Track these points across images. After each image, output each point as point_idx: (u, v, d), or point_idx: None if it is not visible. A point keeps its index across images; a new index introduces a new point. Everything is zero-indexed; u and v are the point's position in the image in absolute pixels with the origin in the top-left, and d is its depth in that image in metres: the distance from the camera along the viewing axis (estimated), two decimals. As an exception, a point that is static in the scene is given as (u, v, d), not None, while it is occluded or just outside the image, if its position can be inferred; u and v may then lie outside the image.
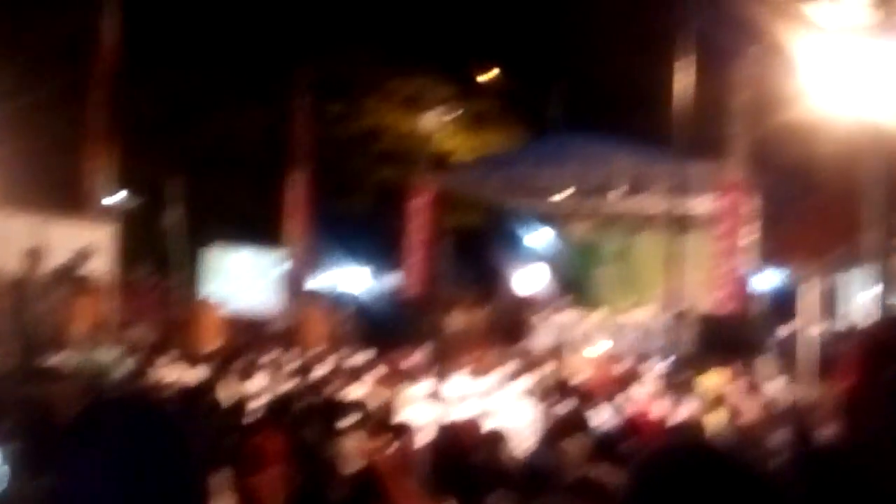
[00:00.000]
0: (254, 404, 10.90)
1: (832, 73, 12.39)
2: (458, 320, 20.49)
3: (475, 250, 24.46)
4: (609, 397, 12.97)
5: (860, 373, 2.25)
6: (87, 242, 16.83)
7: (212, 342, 17.60)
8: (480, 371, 13.89)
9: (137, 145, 23.20)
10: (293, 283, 21.94)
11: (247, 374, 13.06)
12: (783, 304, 18.92)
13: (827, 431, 8.09)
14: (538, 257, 24.31)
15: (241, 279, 21.19)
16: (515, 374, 13.34)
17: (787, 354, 16.29)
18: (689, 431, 9.85)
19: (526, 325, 21.13)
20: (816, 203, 18.21)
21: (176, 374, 13.05)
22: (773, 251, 18.86)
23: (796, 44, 13.13)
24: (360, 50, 27.93)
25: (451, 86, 27.06)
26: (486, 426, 9.11)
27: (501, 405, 11.00)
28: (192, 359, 15.28)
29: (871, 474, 1.92)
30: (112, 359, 14.56)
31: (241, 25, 26.26)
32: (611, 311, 20.67)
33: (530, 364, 15.36)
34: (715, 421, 11.20)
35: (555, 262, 24.76)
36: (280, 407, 10.43)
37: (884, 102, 11.50)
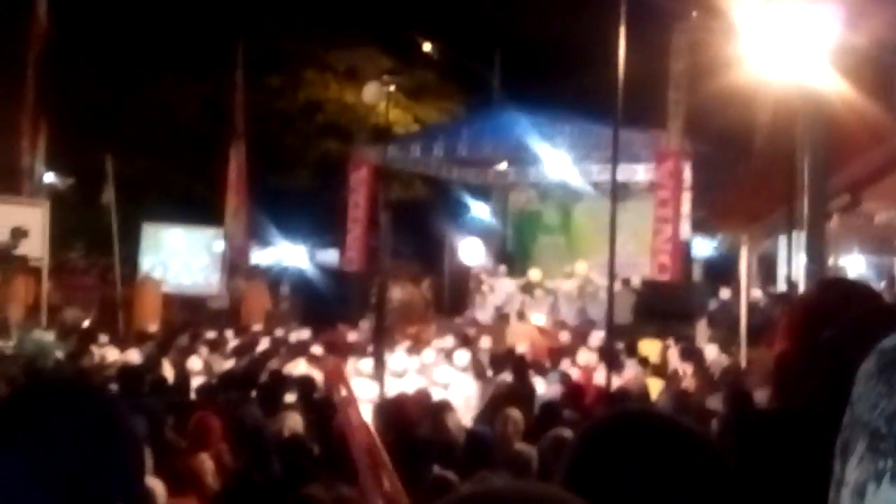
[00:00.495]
0: (195, 382, 10.83)
1: (770, 39, 12.48)
2: (399, 294, 20.46)
3: (417, 223, 24.42)
4: (553, 365, 13.09)
5: (792, 337, 2.24)
6: (20, 223, 16.55)
7: (152, 321, 17.43)
8: (422, 344, 13.90)
9: (71, 123, 22.81)
10: (233, 259, 21.73)
11: (188, 352, 12.96)
12: (721, 271, 19.21)
13: (761, 395, 8.22)
14: (480, 229, 24.36)
15: (180, 257, 20.96)
16: (457, 347, 13.37)
17: (725, 320, 16.53)
18: (631, 397, 9.94)
19: (469, 296, 21.18)
20: (753, 169, 18.38)
21: (116, 353, 12.91)
22: (710, 218, 19.05)
23: (735, 8, 13.22)
24: (299, 22, 27.65)
25: (391, 57, 26.90)
26: (428, 399, 9.13)
27: (443, 378, 11.01)
28: (133, 338, 15.14)
29: (800, 439, 1.92)
30: (49, 341, 14.36)
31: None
32: (553, 279, 20.78)
33: (473, 336, 15.42)
34: (655, 386, 11.33)
35: (497, 232, 24.85)
36: (221, 385, 10.38)
37: (818, 67, 11.63)
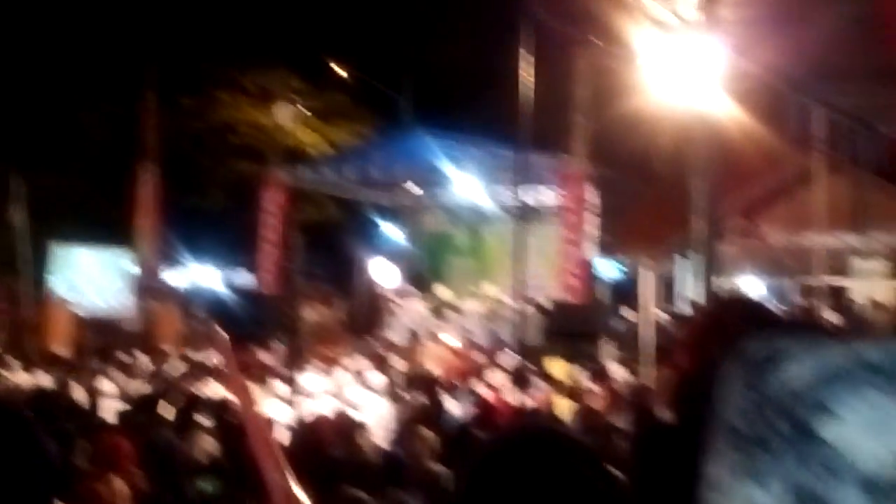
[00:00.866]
0: (107, 405, 10.83)
1: (667, 66, 13.00)
2: (312, 315, 20.56)
3: (330, 244, 24.53)
4: (464, 386, 13.33)
5: (690, 354, 2.31)
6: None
7: (63, 343, 17.22)
8: (335, 366, 14.04)
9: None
10: (144, 281, 21.57)
11: (100, 375, 12.89)
12: (626, 292, 19.71)
13: (666, 413, 8.61)
14: (392, 250, 24.56)
15: (91, 278, 20.74)
16: (370, 368, 13.54)
17: (629, 340, 17.00)
18: (539, 416, 10.20)
19: (381, 317, 21.36)
20: (654, 193, 18.98)
21: (26, 376, 12.79)
22: (615, 240, 19.57)
23: (635, 37, 13.71)
24: (212, 43, 27.57)
25: (303, 79, 27.01)
26: (343, 420, 9.30)
27: (356, 399, 11.19)
28: (43, 361, 14.95)
29: (691, 454, 2.09)
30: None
31: (90, 19, 25.61)
32: (464, 300, 21.07)
33: (385, 357, 15.59)
34: (563, 406, 11.61)
35: (408, 254, 25.07)
36: (133, 408, 10.39)
37: (711, 93, 12.17)
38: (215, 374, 13.07)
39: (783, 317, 2.34)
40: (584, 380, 13.40)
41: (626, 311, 17.98)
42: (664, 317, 17.39)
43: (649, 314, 16.33)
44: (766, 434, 0.66)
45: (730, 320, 2.24)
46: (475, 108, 23.25)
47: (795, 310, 16.09)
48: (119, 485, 6.77)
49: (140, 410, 10.09)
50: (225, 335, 2.62)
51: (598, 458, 1.68)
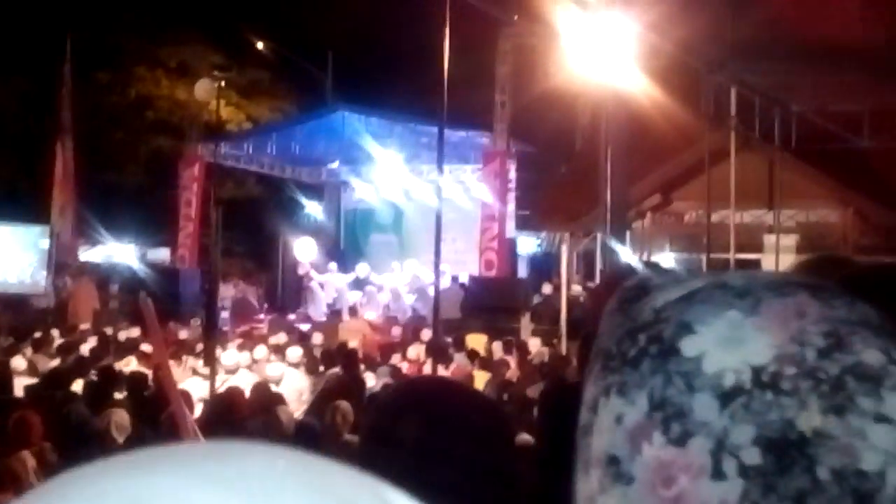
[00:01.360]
0: (19, 383, 10.66)
1: (585, 43, 13.14)
2: (231, 292, 20.44)
3: (250, 221, 24.36)
4: (383, 360, 13.42)
5: (591, 322, 2.44)
6: None
7: (-28, 321, 16.87)
8: (255, 342, 13.99)
9: None
10: (60, 258, 21.18)
11: (12, 351, 12.68)
12: (545, 268, 19.95)
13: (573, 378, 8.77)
14: (313, 227, 24.47)
15: (4, 255, 20.30)
16: (290, 343, 13.53)
17: (548, 313, 17.24)
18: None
19: (302, 293, 21.29)
20: (573, 170, 19.18)
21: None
22: (534, 217, 19.75)
23: (555, 14, 13.81)
24: (129, 16, 27.09)
25: (223, 54, 26.70)
26: (259, 392, 9.29)
27: (275, 373, 11.18)
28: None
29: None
30: None
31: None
32: (385, 276, 21.11)
33: (305, 332, 15.59)
34: (481, 378, 11.74)
35: (330, 231, 25.01)
36: (46, 384, 10.26)
37: (626, 70, 12.33)
38: (131, 349, 12.98)
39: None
40: (502, 353, 13.56)
41: (544, 286, 18.20)
42: (581, 291, 17.67)
43: (567, 289, 16.60)
44: (635, 354, 0.70)
45: (622, 282, 2.33)
46: (397, 84, 23.26)
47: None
48: (30, 460, 6.72)
49: (52, 386, 9.96)
50: (150, 303, 2.62)
51: (494, 407, 1.76)
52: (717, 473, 0.65)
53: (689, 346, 0.68)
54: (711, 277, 0.74)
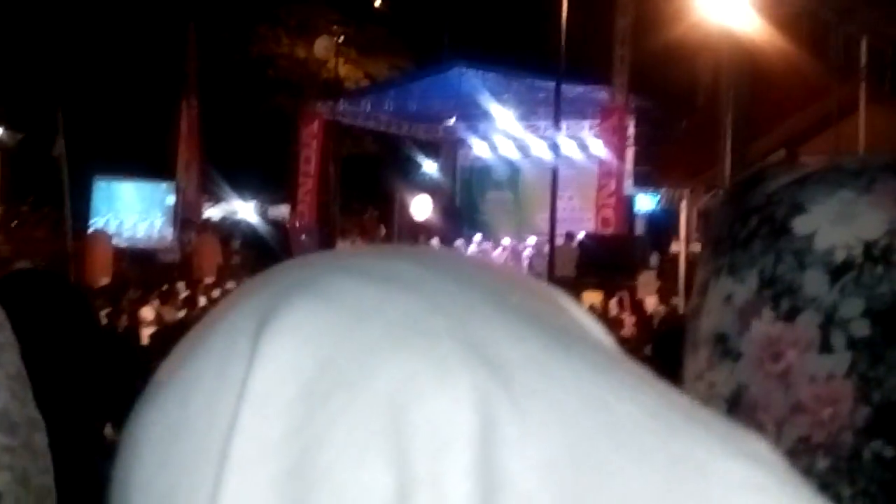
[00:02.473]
0: (147, 332, 11.03)
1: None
2: (350, 248, 20.69)
3: (367, 178, 24.58)
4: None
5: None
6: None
7: (103, 274, 17.49)
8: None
9: (21, 77, 22.65)
10: (185, 213, 21.78)
11: (140, 303, 13.12)
12: (664, 225, 19.61)
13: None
14: (431, 184, 24.55)
15: (132, 210, 20.97)
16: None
17: (668, 272, 16.97)
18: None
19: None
20: (694, 125, 18.76)
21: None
22: (653, 173, 19.41)
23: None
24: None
25: (342, 12, 26.87)
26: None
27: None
28: (85, 291, 15.20)
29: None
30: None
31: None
32: (503, 233, 21.08)
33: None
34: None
35: (446, 188, 25.05)
36: (172, 333, 10.57)
37: (751, 22, 11.96)
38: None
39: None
40: (618, 310, 13.44)
41: (674, 244, 17.90)
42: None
43: (686, 247, 16.30)
44: (746, 235, 0.70)
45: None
46: (514, 39, 23.06)
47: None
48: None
49: (175, 335, 10.24)
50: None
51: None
52: (826, 347, 0.65)
53: (800, 225, 0.67)
54: (825, 164, 0.72)
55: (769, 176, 0.74)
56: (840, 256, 0.65)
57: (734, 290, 0.69)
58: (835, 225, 0.66)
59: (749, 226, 0.70)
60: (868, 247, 0.65)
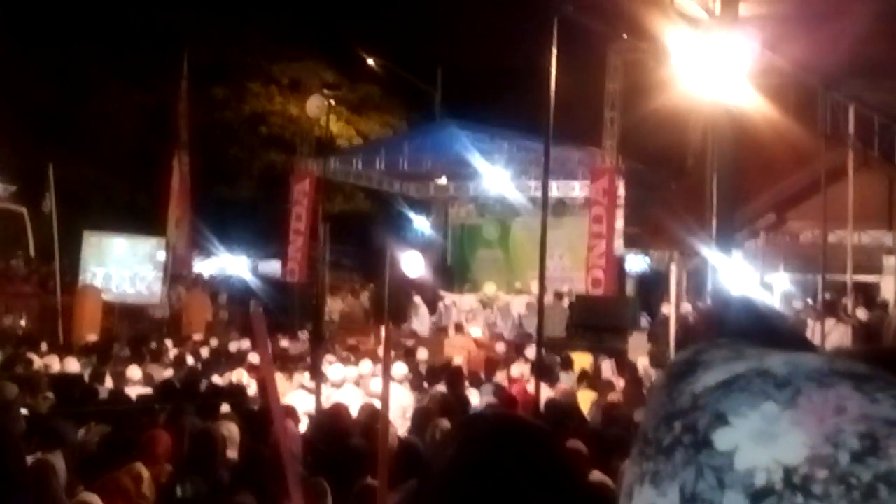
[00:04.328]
0: (134, 392, 10.94)
1: (696, 61, 12.92)
2: (339, 305, 20.66)
3: (359, 235, 24.62)
4: (488, 377, 13.37)
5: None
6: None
7: (92, 329, 17.40)
8: (360, 355, 14.10)
9: (14, 131, 22.70)
10: (175, 269, 21.74)
11: (127, 362, 13.03)
12: (654, 286, 19.65)
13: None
14: (421, 241, 24.61)
15: (122, 266, 20.92)
16: (394, 358, 13.57)
17: (659, 333, 16.95)
18: (561, 408, 10.21)
19: (408, 307, 21.41)
20: (683, 188, 18.87)
21: (53, 362, 12.92)
22: (643, 234, 19.50)
23: (664, 32, 13.64)
24: (244, 34, 27.76)
25: (335, 71, 27.14)
26: (364, 409, 9.34)
27: (379, 389, 11.21)
28: (71, 348, 15.13)
29: None
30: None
31: (121, 8, 25.84)
32: (491, 292, 21.09)
33: (410, 347, 15.65)
34: (588, 398, 11.61)
35: (437, 245, 25.12)
36: (159, 395, 10.50)
37: (740, 89, 12.07)
38: (240, 361, 13.22)
39: (777, 319, 2.33)
40: (610, 372, 13.40)
41: (664, 306, 17.92)
42: (691, 311, 17.34)
43: (676, 309, 16.29)
44: (670, 443, 0.69)
45: (723, 319, 2.29)
46: (505, 101, 23.24)
47: (803, 311, 15.93)
48: (144, 471, 6.82)
49: (162, 397, 10.18)
50: (261, 313, 2.65)
51: (552, 441, 1.75)
52: None
53: (722, 439, 0.67)
54: (756, 360, 0.71)
55: (701, 365, 0.73)
56: (760, 480, 0.64)
57: (656, 502, 0.68)
58: (756, 444, 0.65)
59: (673, 431, 0.69)
60: (788, 473, 0.63)
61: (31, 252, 21.52)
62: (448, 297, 21.09)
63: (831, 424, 0.64)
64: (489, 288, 21.21)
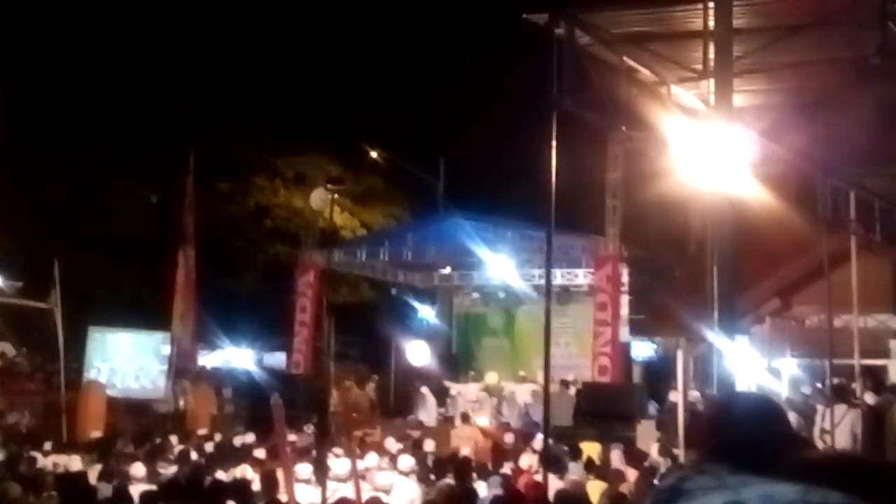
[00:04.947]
0: (137, 490, 10.83)
1: (695, 151, 13.05)
2: (344, 397, 20.55)
3: (363, 325, 24.61)
4: (495, 468, 13.23)
5: (695, 445, 2.42)
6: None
7: (96, 426, 17.29)
8: (366, 448, 13.98)
9: (19, 227, 22.89)
10: (179, 363, 21.68)
11: (131, 458, 12.92)
12: (661, 373, 19.55)
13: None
14: (426, 331, 24.60)
15: (127, 361, 20.88)
16: (401, 450, 13.47)
17: (667, 422, 16.82)
18: (571, 500, 10.10)
19: (414, 398, 21.30)
20: (687, 274, 18.88)
21: (57, 460, 12.83)
22: (648, 321, 19.42)
23: (663, 122, 13.80)
24: (248, 129, 28.14)
25: (339, 164, 27.44)
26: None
27: (386, 482, 11.11)
28: (77, 444, 15.03)
29: None
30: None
31: (126, 105, 26.25)
32: (497, 381, 20.99)
33: (417, 438, 15.52)
34: (597, 488, 11.48)
35: (442, 335, 25.09)
36: (164, 492, 10.40)
37: (739, 178, 12.17)
38: (244, 457, 13.11)
39: (778, 416, 2.36)
40: (619, 462, 13.25)
41: (672, 394, 17.82)
42: (699, 398, 17.23)
43: (684, 396, 16.18)
44: None
45: (726, 418, 2.27)
46: (508, 191, 23.46)
47: (808, 399, 15.82)
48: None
49: (170, 495, 10.09)
50: (281, 405, 2.65)
51: None
52: None
53: None
54: (734, 492, 0.72)
55: (683, 494, 0.75)
56: None
57: None
58: None
59: None
60: None
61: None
62: (454, 388, 21.00)
63: None
64: (491, 377, 21.11)
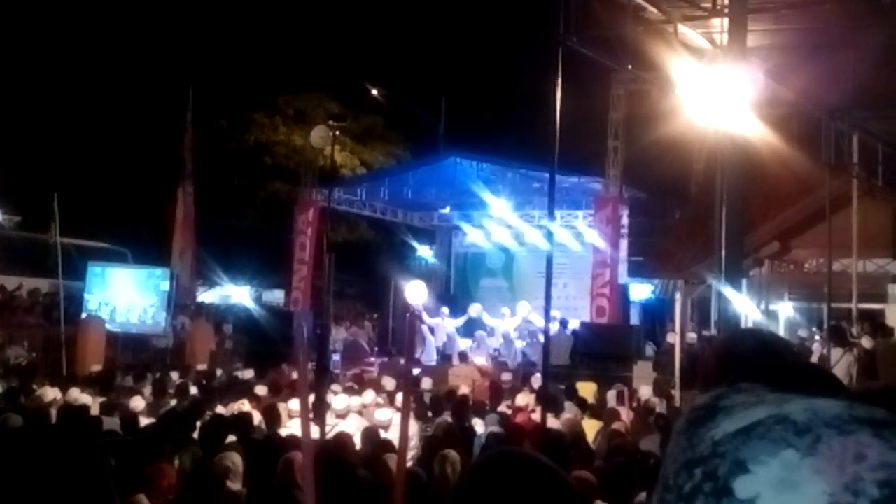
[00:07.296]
0: (139, 423, 10.89)
1: (700, 91, 12.94)
2: (343, 334, 20.62)
3: (362, 264, 24.62)
4: (492, 407, 13.30)
5: (704, 383, 2.39)
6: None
7: (95, 360, 17.36)
8: (364, 385, 14.05)
9: (18, 162, 22.80)
10: (179, 299, 21.71)
11: (131, 392, 12.99)
12: (659, 315, 19.61)
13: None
14: (424, 270, 24.61)
15: (126, 296, 20.90)
16: (399, 388, 13.53)
17: (664, 362, 16.89)
18: (565, 438, 10.15)
19: (413, 336, 21.32)
20: (688, 216, 18.87)
21: (58, 393, 12.88)
22: (647, 263, 19.47)
23: (669, 63, 13.67)
24: (249, 67, 27.92)
25: (339, 102, 27.26)
26: (368, 439, 9.29)
27: (384, 418, 11.18)
28: (74, 378, 15.09)
29: None
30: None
31: (129, 43, 26.02)
32: (495, 321, 21.01)
33: (415, 377, 15.58)
34: (593, 427, 11.55)
35: (441, 274, 25.11)
36: (163, 426, 10.44)
37: (744, 118, 12.08)
38: (244, 392, 13.17)
39: (788, 351, 2.32)
40: (614, 401, 13.32)
41: (669, 335, 17.88)
42: (696, 340, 17.29)
43: (681, 338, 16.25)
44: (690, 490, 0.69)
45: (736, 353, 2.29)
46: (509, 130, 23.35)
47: (810, 342, 15.87)
48: (146, 502, 6.78)
49: (166, 428, 10.12)
50: (304, 328, 2.62)
51: (567, 481, 1.73)
52: None
53: (742, 487, 0.67)
54: (776, 406, 0.71)
55: (721, 410, 0.73)
56: None
57: None
58: (776, 492, 0.65)
59: (693, 478, 0.69)
60: None
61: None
62: (452, 326, 20.99)
63: (851, 472, 0.64)
64: (473, 310, 20.94)
